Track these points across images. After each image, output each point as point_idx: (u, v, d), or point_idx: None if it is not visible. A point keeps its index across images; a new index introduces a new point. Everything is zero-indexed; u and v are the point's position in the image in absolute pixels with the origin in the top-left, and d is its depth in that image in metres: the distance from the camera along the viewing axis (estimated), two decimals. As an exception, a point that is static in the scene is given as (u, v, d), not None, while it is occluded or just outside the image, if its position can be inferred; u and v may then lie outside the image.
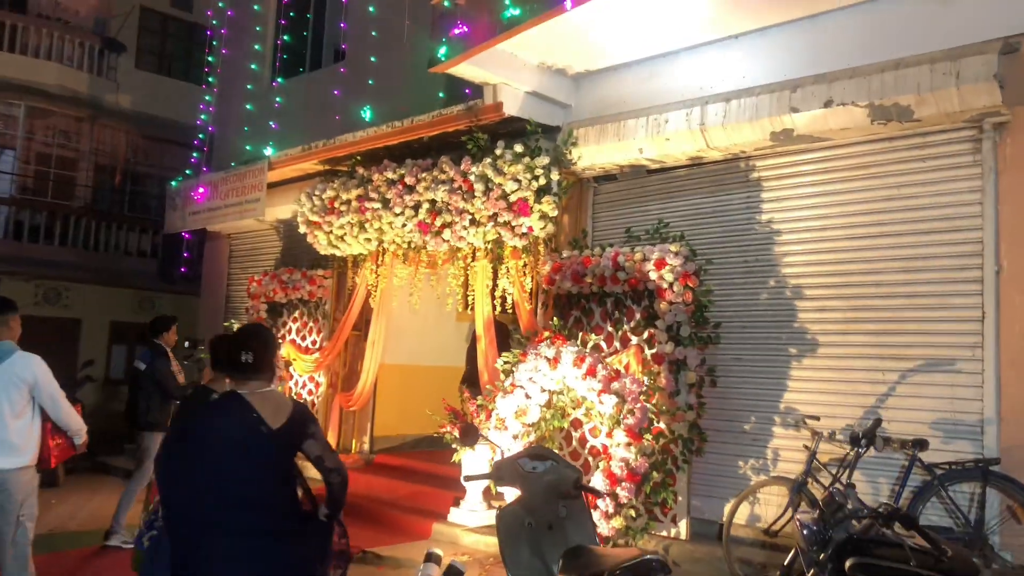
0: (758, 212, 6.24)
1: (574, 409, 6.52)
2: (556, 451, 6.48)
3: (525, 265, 7.47)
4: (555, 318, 6.96)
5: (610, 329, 6.69)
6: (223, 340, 3.67)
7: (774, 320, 6.06)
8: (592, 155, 7.04)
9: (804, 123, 5.73)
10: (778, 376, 6.00)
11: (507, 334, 8.33)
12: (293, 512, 3.22)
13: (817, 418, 5.54)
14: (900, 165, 5.56)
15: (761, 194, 6.25)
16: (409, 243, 8.30)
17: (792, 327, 5.97)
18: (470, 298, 7.97)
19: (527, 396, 6.49)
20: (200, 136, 12.11)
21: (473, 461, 7.08)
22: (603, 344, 6.68)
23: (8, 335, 4.69)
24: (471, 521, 7.06)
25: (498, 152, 7.26)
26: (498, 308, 7.74)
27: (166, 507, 3.17)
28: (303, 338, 9.88)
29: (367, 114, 9.07)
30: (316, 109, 10.22)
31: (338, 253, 9.21)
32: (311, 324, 9.81)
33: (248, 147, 10.94)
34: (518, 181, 7.05)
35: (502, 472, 4.23)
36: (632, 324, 6.55)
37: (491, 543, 6.02)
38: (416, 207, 8.00)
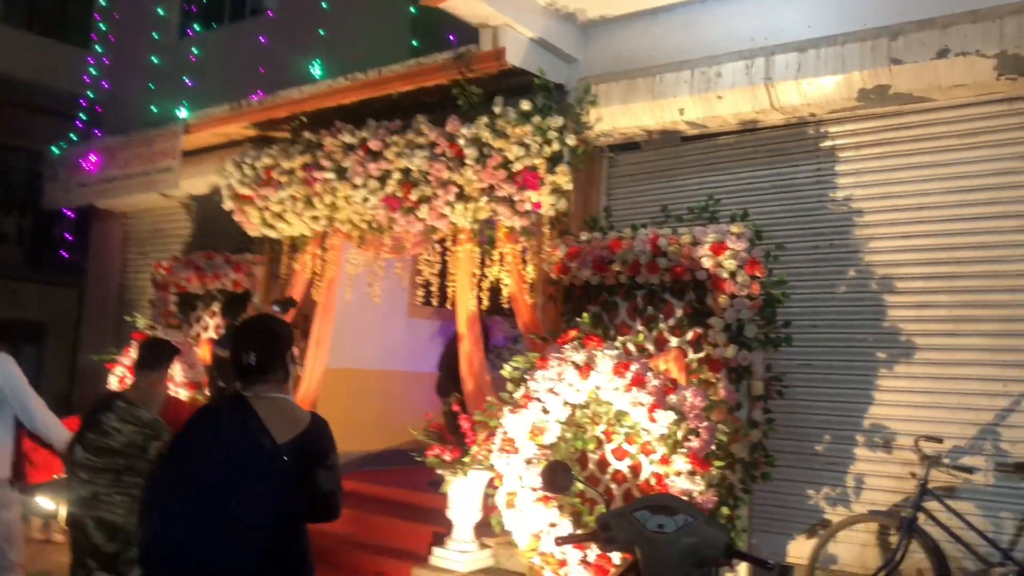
0: (832, 188, 5.17)
1: (595, 426, 5.26)
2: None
3: (525, 250, 6.16)
4: (577, 314, 5.69)
5: (640, 328, 5.46)
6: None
7: (856, 318, 5.00)
8: (615, 117, 5.81)
9: (907, 78, 4.68)
10: (861, 386, 4.94)
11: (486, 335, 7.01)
12: (299, 561, 2.66)
13: (939, 440, 4.49)
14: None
15: (836, 166, 5.18)
16: (370, 222, 6.82)
17: (880, 326, 4.92)
18: (450, 290, 6.57)
19: (545, 411, 5.18)
20: (89, 94, 10.13)
21: (466, 492, 5.71)
22: (630, 347, 5.44)
23: None
24: (461, 564, 5.69)
25: (497, 110, 5.91)
26: (484, 302, 6.39)
27: (141, 543, 2.67)
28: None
29: (316, 69, 7.51)
30: (244, 63, 8.53)
31: (273, 234, 7.61)
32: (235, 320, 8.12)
33: (153, 108, 9.13)
34: (525, 146, 5.72)
35: (613, 530, 2.90)
36: (671, 322, 5.35)
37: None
38: (383, 177, 6.53)
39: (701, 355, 5.15)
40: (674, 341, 5.30)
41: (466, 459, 5.54)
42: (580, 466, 5.39)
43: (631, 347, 5.35)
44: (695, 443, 4.59)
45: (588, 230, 5.83)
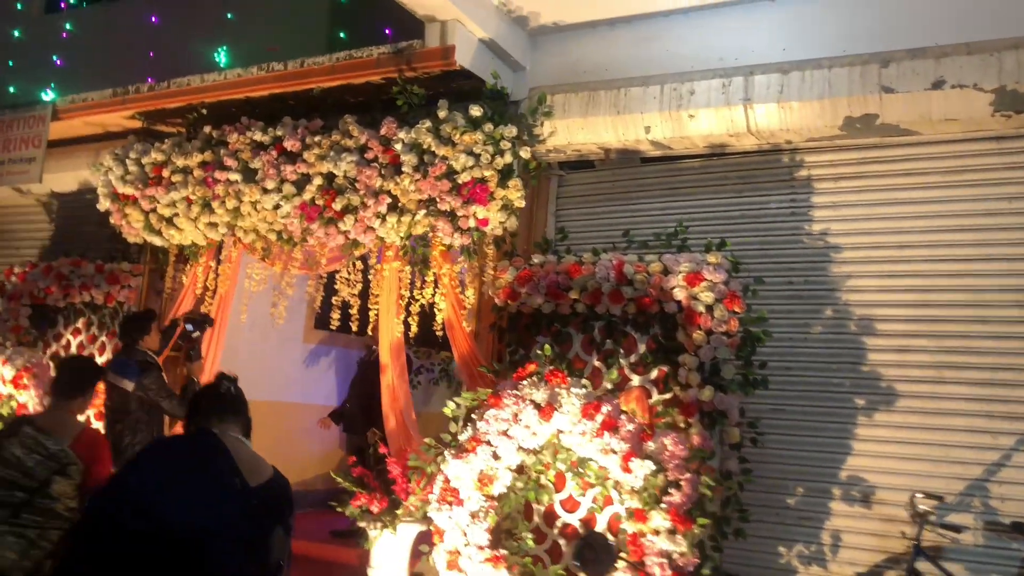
0: (808, 220, 4.85)
1: (544, 473, 4.67)
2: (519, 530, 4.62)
3: (463, 272, 5.52)
4: (523, 345, 5.10)
5: (596, 364, 4.92)
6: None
7: (832, 361, 4.67)
8: (571, 131, 5.29)
9: (897, 108, 4.42)
10: (838, 435, 4.59)
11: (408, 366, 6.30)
12: None
13: (940, 498, 4.16)
14: (1018, 172, 4.42)
15: (813, 197, 4.87)
16: (280, 232, 5.98)
17: (859, 371, 4.60)
18: (372, 314, 5.81)
19: (495, 456, 4.53)
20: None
21: (393, 549, 4.94)
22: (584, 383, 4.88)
23: None
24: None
25: (442, 115, 5.28)
26: (412, 328, 5.67)
27: None
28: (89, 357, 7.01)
29: (221, 57, 6.61)
30: (129, 44, 7.45)
31: (158, 241, 6.59)
32: (103, 339, 6.99)
33: (11, 88, 7.85)
34: (474, 156, 5.11)
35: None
36: (633, 358, 4.84)
37: None
38: (300, 183, 5.73)
39: (667, 396, 4.67)
40: (636, 380, 4.79)
41: (398, 511, 4.80)
42: (525, 519, 4.77)
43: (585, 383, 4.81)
44: (676, 497, 4.07)
45: (541, 252, 5.26)
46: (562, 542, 4.75)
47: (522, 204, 5.15)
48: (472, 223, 5.16)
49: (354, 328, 6.09)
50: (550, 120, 5.30)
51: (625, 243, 5.07)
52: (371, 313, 5.78)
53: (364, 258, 5.99)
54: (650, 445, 4.21)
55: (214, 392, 2.65)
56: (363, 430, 6.78)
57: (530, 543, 4.61)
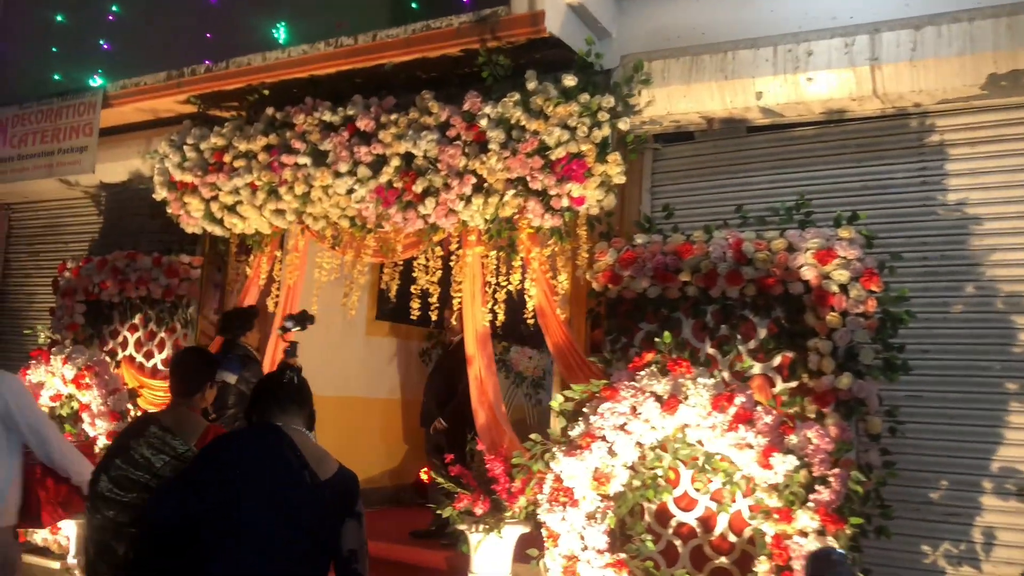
0: (942, 190, 4.44)
1: (662, 470, 4.31)
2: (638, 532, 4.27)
3: (553, 256, 5.15)
4: (624, 333, 4.74)
5: (710, 351, 4.55)
6: None
7: (977, 342, 4.27)
8: (671, 100, 4.90)
9: (1053, 62, 4.01)
10: (986, 422, 4.20)
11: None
12: None
13: None
14: None
15: (947, 164, 4.46)
16: (353, 218, 5.63)
17: (1008, 352, 4.21)
18: (455, 302, 5.46)
19: (611, 453, 4.18)
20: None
21: (494, 553, 4.61)
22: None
23: None
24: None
25: (531, 86, 4.90)
26: (499, 316, 5.32)
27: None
28: (148, 355, 6.72)
29: (280, 33, 6.25)
30: (180, 25, 7.11)
31: (219, 231, 6.27)
32: (162, 335, 6.69)
33: (56, 76, 7.54)
34: (569, 129, 4.74)
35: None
36: (752, 344, 4.47)
37: None
38: (375, 165, 5.38)
39: (793, 384, 4.29)
40: (756, 367, 4.41)
41: (507, 513, 4.45)
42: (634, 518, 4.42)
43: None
44: (825, 495, 3.71)
45: (640, 232, 4.88)
46: (677, 542, 4.40)
47: (622, 180, 4.77)
48: (565, 202, 4.80)
49: (414, 316, 5.66)
50: (648, 89, 4.91)
51: (739, 219, 4.68)
52: (454, 302, 5.43)
53: (443, 244, 5.65)
54: (791, 438, 3.84)
55: (277, 382, 2.61)
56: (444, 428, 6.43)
57: (650, 545, 4.27)
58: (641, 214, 5.14)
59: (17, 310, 8.18)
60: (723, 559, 4.30)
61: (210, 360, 3.39)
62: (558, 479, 4.27)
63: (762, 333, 4.45)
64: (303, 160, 5.57)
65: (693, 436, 4.08)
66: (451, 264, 5.52)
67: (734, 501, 4.19)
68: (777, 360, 4.38)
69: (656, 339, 4.54)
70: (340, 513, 2.47)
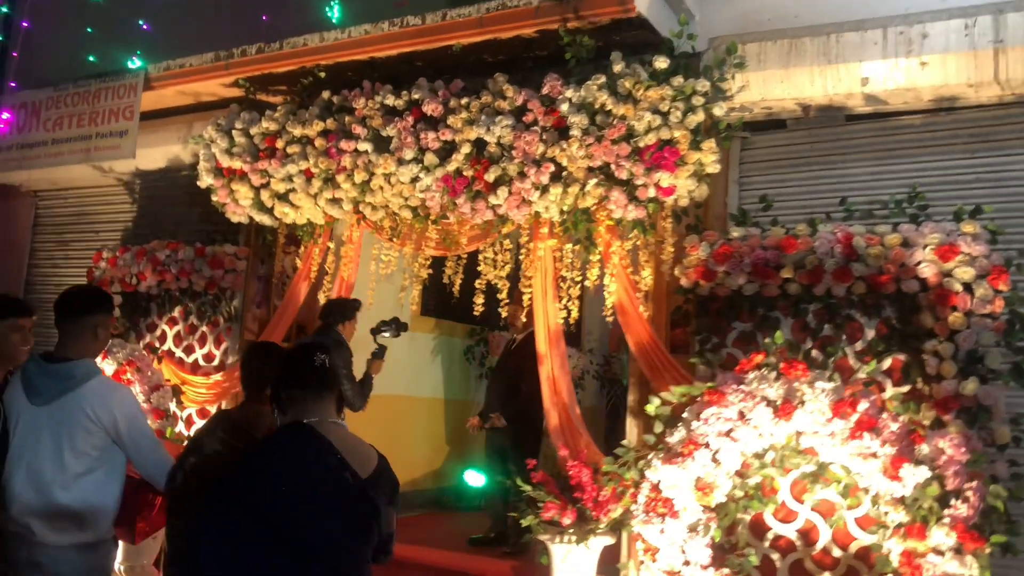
0: (1067, 183, 4.16)
1: (767, 479, 4.02)
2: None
3: (632, 250, 4.86)
4: (714, 332, 4.46)
5: (814, 352, 4.25)
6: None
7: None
8: (767, 85, 4.62)
9: None
10: (1118, 431, 3.92)
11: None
12: None
13: None
14: None
15: (1073, 156, 4.18)
16: (416, 208, 5.34)
17: None
18: (526, 298, 5.16)
19: (715, 461, 3.89)
20: (-4, 38, 8.03)
21: (577, 566, 4.32)
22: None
23: (86, 347, 3.33)
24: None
25: (617, 68, 4.60)
26: (572, 313, 5.03)
27: None
28: (188, 350, 6.42)
29: (333, 13, 5.94)
30: (223, 4, 6.80)
31: (267, 221, 5.97)
32: (203, 329, 6.39)
33: (91, 57, 7.22)
34: (661, 115, 4.45)
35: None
36: (859, 346, 4.18)
37: None
38: (444, 151, 5.09)
39: (905, 389, 4.01)
40: (863, 371, 4.13)
41: (601, 524, 4.16)
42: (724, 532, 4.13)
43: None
44: (963, 510, 3.42)
45: (736, 224, 4.60)
46: (775, 556, 4.12)
47: (717, 169, 4.48)
48: (652, 192, 4.51)
49: (477, 312, 5.36)
50: (741, 73, 4.62)
51: (843, 212, 4.39)
52: (524, 297, 5.14)
53: (511, 236, 5.37)
54: (922, 448, 3.56)
55: (310, 365, 2.51)
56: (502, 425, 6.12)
57: (753, 559, 3.98)
58: (728, 206, 4.85)
59: (44, 301, 7.82)
60: (827, 574, 4.01)
61: (278, 354, 3.12)
62: (655, 488, 3.98)
63: (870, 334, 4.17)
64: (364, 146, 5.28)
65: (807, 443, 3.79)
66: (519, 258, 5.24)
67: (835, 512, 3.91)
68: (887, 363, 4.10)
69: (759, 339, 4.27)
70: (383, 503, 2.43)
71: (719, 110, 4.49)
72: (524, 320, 6.10)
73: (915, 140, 4.50)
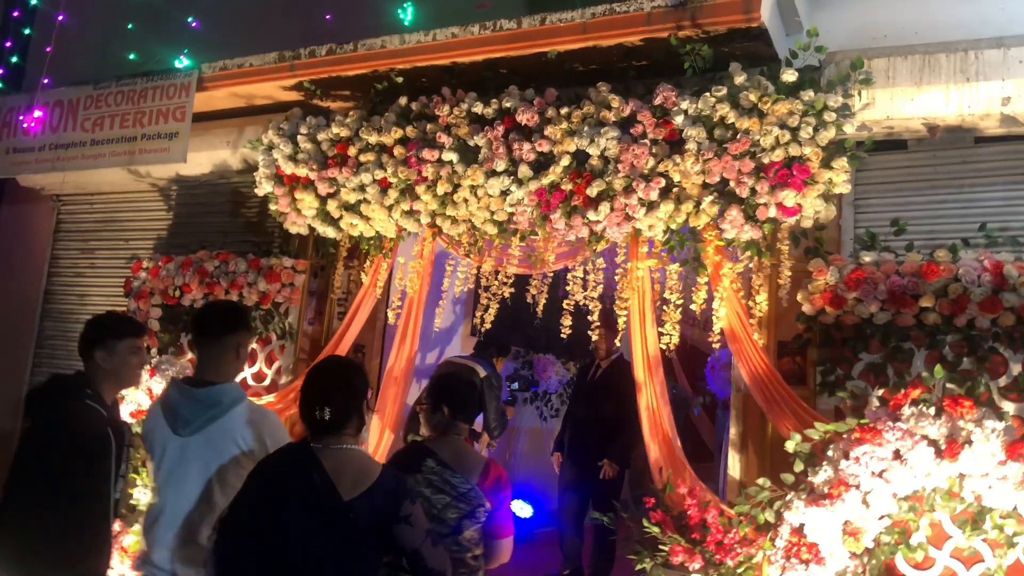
0: None
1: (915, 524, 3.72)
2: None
3: (743, 273, 4.58)
4: (840, 364, 4.19)
5: (951, 386, 3.98)
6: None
7: None
8: (895, 102, 4.37)
9: None
10: None
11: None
12: None
13: None
14: None
15: None
16: (502, 223, 5.02)
17: None
18: (621, 321, 4.85)
19: (865, 503, 3.60)
20: (24, 30, 7.59)
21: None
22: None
23: (228, 369, 3.01)
24: None
25: (738, 80, 4.34)
26: (674, 339, 4.73)
27: None
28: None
29: (407, 14, 5.62)
30: (281, 6, 6.44)
31: (331, 233, 5.62)
32: (253, 346, 5.98)
33: (132, 55, 6.83)
34: (790, 130, 4.18)
35: None
36: (1002, 382, 3.93)
37: None
38: (538, 164, 4.78)
39: (1056, 429, 3.75)
40: (1011, 408, 3.87)
41: (727, 568, 3.84)
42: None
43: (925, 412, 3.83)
44: None
45: (862, 248, 4.34)
46: (912, 605, 3.83)
47: (847, 190, 4.22)
48: (773, 212, 4.24)
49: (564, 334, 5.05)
50: (868, 89, 4.37)
51: (984, 239, 4.15)
52: (620, 320, 4.83)
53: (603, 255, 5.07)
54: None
55: (311, 419, 2.54)
56: (589, 459, 5.78)
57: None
58: (842, 229, 4.59)
59: (65, 312, 7.40)
60: (971, 626, 3.73)
61: (477, 381, 2.90)
62: (795, 532, 3.67)
63: (1015, 369, 3.91)
64: (449, 156, 4.95)
65: (971, 487, 3.50)
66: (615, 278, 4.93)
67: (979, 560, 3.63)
68: (1032, 400, 3.85)
69: (889, 372, 4.00)
70: (381, 525, 2.42)
71: (850, 127, 4.23)
72: (603, 346, 5.78)
73: (1053, 164, 4.28)
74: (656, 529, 3.93)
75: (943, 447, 3.47)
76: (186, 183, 6.88)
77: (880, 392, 4.06)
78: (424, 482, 2.95)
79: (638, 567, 4.04)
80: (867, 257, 4.21)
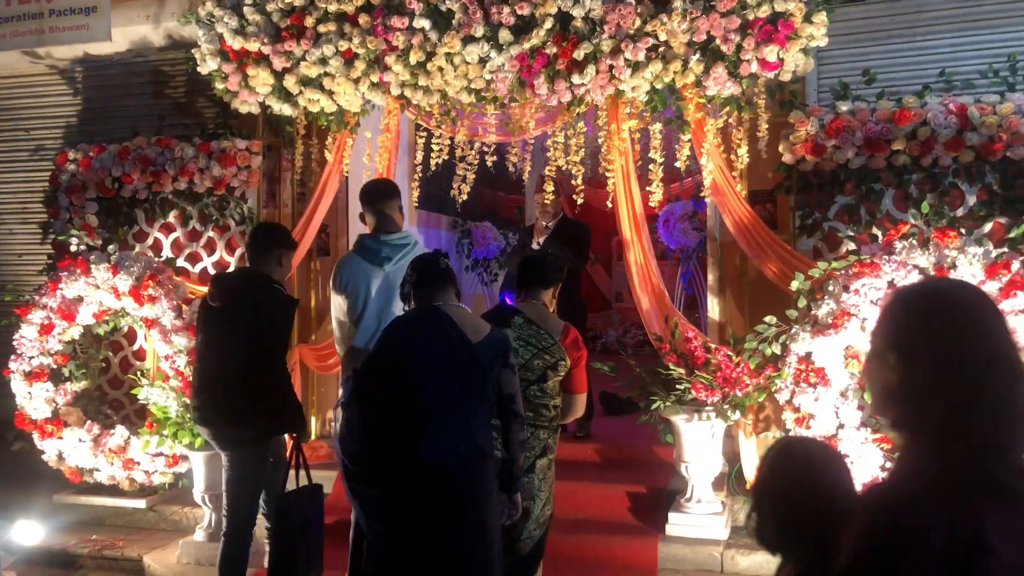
0: None
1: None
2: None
3: (723, 127, 4.81)
4: (818, 208, 4.58)
5: (915, 223, 4.45)
6: None
7: None
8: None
9: None
10: None
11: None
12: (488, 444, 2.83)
13: None
14: None
15: None
16: (479, 92, 4.97)
17: None
18: (610, 182, 5.00)
19: (863, 329, 4.06)
20: None
21: (709, 440, 4.43)
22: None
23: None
24: (713, 529, 4.44)
25: (723, -66, 4.40)
26: (657, 196, 4.95)
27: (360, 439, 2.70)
28: (193, 259, 5.78)
29: None
30: None
31: (287, 111, 5.36)
32: (210, 234, 5.74)
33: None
34: (774, -15, 4.34)
35: None
36: (960, 212, 4.44)
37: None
38: (519, 29, 4.72)
39: (1004, 250, 4.30)
40: (1014, 232, 4.35)
41: (749, 399, 4.26)
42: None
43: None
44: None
45: (836, 98, 4.65)
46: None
47: (825, 42, 4.47)
48: (755, 68, 4.45)
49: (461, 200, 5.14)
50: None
51: (943, 83, 4.54)
52: (610, 182, 4.99)
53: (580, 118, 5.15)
54: (1073, 305, 3.88)
55: (437, 267, 2.91)
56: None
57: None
58: (807, 81, 4.88)
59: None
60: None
61: (561, 260, 3.31)
62: (802, 360, 4.11)
63: (971, 201, 4.42)
64: (421, 23, 4.79)
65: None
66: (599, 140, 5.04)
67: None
68: (988, 227, 4.38)
69: (862, 212, 4.43)
70: (493, 363, 2.80)
71: (826, -21, 4.43)
72: (548, 205, 5.82)
73: (1001, 10, 4.66)
74: (681, 370, 4.26)
75: (932, 273, 3.93)
76: (94, 63, 6.27)
77: (851, 232, 4.52)
78: (513, 336, 3.24)
79: (653, 407, 4.39)
80: (843, 106, 4.52)
